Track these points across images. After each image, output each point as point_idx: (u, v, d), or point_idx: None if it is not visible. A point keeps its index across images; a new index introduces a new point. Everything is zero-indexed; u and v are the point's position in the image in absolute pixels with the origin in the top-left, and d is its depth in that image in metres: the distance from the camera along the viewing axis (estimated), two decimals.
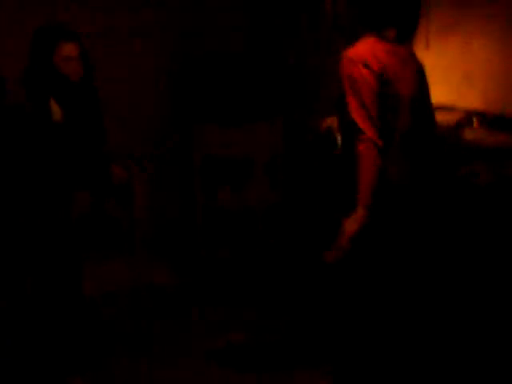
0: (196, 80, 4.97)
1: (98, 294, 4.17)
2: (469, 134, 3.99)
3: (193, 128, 4.99)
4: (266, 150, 4.88)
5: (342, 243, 3.01)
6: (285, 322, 4.21)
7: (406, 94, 3.16)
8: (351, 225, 2.99)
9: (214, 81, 4.90)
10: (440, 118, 3.81)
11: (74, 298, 3.56)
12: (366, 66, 3.02)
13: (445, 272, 3.61)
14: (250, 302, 4.47)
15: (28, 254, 3.42)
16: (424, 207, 3.26)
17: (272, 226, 4.91)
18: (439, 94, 4.10)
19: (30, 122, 3.38)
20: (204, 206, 4.96)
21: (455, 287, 3.61)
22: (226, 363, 3.87)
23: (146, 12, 4.92)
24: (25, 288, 3.45)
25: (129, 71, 4.90)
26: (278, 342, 3.98)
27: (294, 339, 3.99)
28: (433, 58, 4.33)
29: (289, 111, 5.19)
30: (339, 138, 3.45)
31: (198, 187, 4.95)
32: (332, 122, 3.75)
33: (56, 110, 3.45)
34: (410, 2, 3.20)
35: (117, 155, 4.06)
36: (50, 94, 3.44)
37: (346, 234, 2.99)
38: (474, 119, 4.12)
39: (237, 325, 4.22)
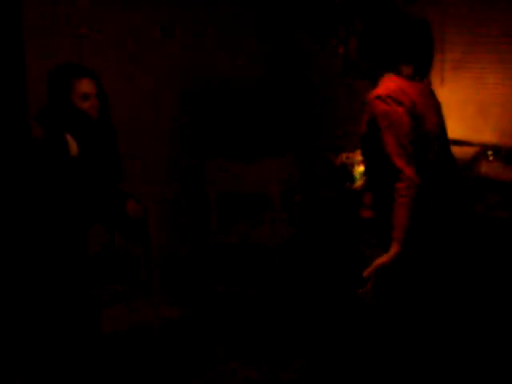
0: (208, 114, 4.99)
1: (115, 331, 4.14)
2: (484, 168, 4.00)
3: (206, 165, 4.99)
4: (280, 185, 4.87)
5: (372, 276, 3.07)
6: (300, 360, 4.18)
7: (432, 130, 3.19)
8: (384, 259, 3.04)
9: (226, 116, 4.91)
10: (455, 152, 3.82)
11: (90, 334, 3.54)
12: (400, 103, 3.04)
13: (468, 304, 3.61)
14: (266, 339, 4.44)
15: (44, 290, 3.40)
16: (449, 240, 3.27)
17: (288, 261, 4.90)
18: (454, 128, 4.11)
19: (48, 157, 3.38)
20: (218, 241, 4.95)
21: (478, 318, 3.61)
22: None
23: (155, 42, 4.93)
24: (42, 324, 3.43)
25: (140, 108, 4.91)
26: (294, 381, 3.95)
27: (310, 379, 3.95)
28: (448, 93, 4.36)
29: (303, 146, 5.21)
30: (357, 173, 3.47)
31: (213, 223, 4.93)
32: (347, 156, 3.77)
33: (72, 145, 3.46)
34: (424, 37, 3.22)
35: (131, 192, 4.07)
36: (66, 129, 3.46)
37: (377, 267, 3.06)
38: (489, 153, 4.13)
39: (253, 362, 4.18)
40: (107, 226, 3.89)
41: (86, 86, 3.59)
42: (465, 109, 4.43)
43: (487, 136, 4.30)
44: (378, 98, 3.05)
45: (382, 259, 3.04)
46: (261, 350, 4.29)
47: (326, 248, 4.84)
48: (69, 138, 3.44)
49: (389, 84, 3.10)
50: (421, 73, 3.19)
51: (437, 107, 3.30)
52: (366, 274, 3.07)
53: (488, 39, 4.45)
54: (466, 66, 4.48)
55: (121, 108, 4.71)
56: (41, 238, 3.38)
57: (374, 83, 3.15)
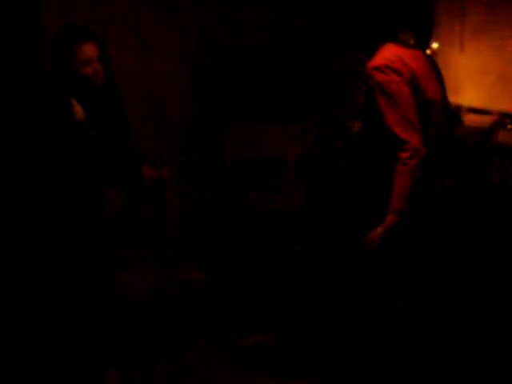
0: (225, 79, 4.96)
1: (130, 293, 4.17)
2: (503, 137, 3.97)
3: (222, 128, 4.98)
4: (297, 150, 4.86)
5: (369, 245, 3.11)
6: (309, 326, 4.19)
7: (435, 98, 3.16)
8: (379, 230, 3.07)
9: (243, 79, 4.88)
10: (474, 120, 3.80)
11: (106, 295, 3.57)
12: (398, 72, 3.00)
13: (475, 274, 3.60)
14: (279, 304, 4.46)
15: (60, 253, 3.42)
16: (455, 210, 3.25)
17: (302, 227, 4.90)
18: (473, 96, 4.09)
19: (53, 122, 3.36)
20: (234, 206, 4.96)
21: (486, 291, 3.60)
22: (252, 364, 3.85)
23: (170, 11, 4.90)
24: (56, 285, 3.45)
25: (154, 73, 4.90)
26: (305, 346, 3.96)
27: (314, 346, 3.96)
28: (467, 61, 4.33)
29: (321, 113, 5.18)
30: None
31: (229, 188, 4.94)
32: None
33: (78, 111, 3.43)
34: (423, 3, 3.18)
35: (147, 156, 4.08)
36: (71, 95, 3.41)
37: (373, 237, 3.09)
38: (508, 122, 4.10)
39: (265, 325, 4.20)
40: (123, 189, 3.90)
41: (87, 50, 3.51)
42: (484, 77, 4.38)
43: (506, 104, 4.26)
44: (376, 68, 3.01)
45: (377, 230, 3.06)
46: (273, 316, 4.31)
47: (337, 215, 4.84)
48: (74, 102, 3.41)
49: (386, 53, 3.05)
50: (421, 40, 3.15)
51: (438, 75, 3.26)
52: (364, 243, 3.11)
53: (509, 6, 4.39)
54: (485, 33, 4.43)
55: (139, 74, 4.73)
56: (55, 200, 3.39)
57: (374, 53, 3.11)
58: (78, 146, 3.40)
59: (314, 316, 4.04)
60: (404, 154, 2.96)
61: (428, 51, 4.39)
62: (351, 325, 3.49)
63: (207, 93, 5.09)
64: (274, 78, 4.87)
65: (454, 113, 4.23)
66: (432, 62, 3.26)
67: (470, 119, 3.90)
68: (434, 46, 4.42)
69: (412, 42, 3.11)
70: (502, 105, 4.27)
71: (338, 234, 3.42)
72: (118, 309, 3.70)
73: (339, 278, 3.72)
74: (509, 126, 4.05)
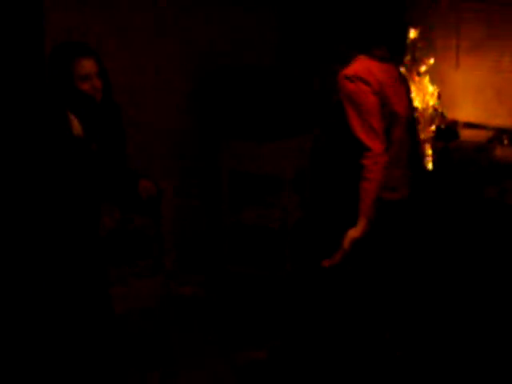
0: (223, 95, 4.97)
1: (126, 308, 4.16)
2: (499, 152, 3.98)
3: (220, 144, 4.99)
4: (293, 166, 4.86)
5: (342, 249, 3.15)
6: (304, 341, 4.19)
7: (401, 112, 3.23)
8: (353, 233, 3.12)
9: (241, 96, 4.89)
10: (470, 135, 3.81)
11: (101, 310, 3.56)
12: (366, 83, 3.09)
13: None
14: (275, 320, 4.45)
15: (56, 270, 3.41)
16: (420, 220, 3.37)
17: (299, 242, 4.90)
18: (469, 112, 4.11)
19: (51, 137, 3.36)
20: (230, 221, 4.96)
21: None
22: (244, 380, 3.85)
23: (171, 24, 4.91)
24: (51, 300, 3.44)
25: (154, 87, 4.90)
26: (300, 363, 3.95)
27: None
28: (463, 76, 4.34)
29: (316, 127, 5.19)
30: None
31: (226, 203, 4.94)
32: None
33: (76, 126, 3.42)
34: (396, 18, 3.27)
35: (144, 170, 4.07)
36: (69, 110, 3.41)
37: (348, 241, 3.13)
38: (505, 137, 4.11)
39: (259, 341, 4.20)
40: (119, 205, 3.89)
41: (85, 66, 3.48)
42: (480, 93, 4.40)
43: (502, 120, 4.28)
44: (346, 78, 3.11)
45: (351, 234, 3.11)
46: (267, 331, 4.30)
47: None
48: (72, 118, 3.40)
49: (357, 65, 3.16)
50: (394, 54, 3.23)
51: (407, 91, 3.37)
52: (341, 249, 3.15)
53: (505, 22, 4.41)
54: (482, 49, 4.45)
55: (135, 87, 4.73)
56: (51, 217, 3.38)
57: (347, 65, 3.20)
58: (75, 160, 3.39)
59: (305, 332, 4.06)
60: (367, 161, 3.06)
61: (423, 68, 4.44)
62: (340, 342, 3.52)
63: (205, 108, 5.10)
64: (270, 94, 4.89)
65: (451, 128, 4.26)
66: (403, 78, 3.38)
67: (467, 134, 3.92)
68: (430, 61, 4.45)
69: (383, 55, 3.20)
70: (498, 120, 4.28)
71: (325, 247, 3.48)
72: (114, 323, 3.69)
73: (330, 293, 3.75)
74: (505, 142, 4.07)
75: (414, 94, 4.36)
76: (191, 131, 5.13)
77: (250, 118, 4.86)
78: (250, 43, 5.20)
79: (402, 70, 4.38)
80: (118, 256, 3.91)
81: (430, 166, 4.29)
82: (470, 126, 4.08)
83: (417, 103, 4.36)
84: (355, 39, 3.23)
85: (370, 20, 3.21)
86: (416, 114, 4.30)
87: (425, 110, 4.32)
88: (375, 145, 3.06)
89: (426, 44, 4.51)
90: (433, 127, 4.32)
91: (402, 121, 3.21)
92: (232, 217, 4.94)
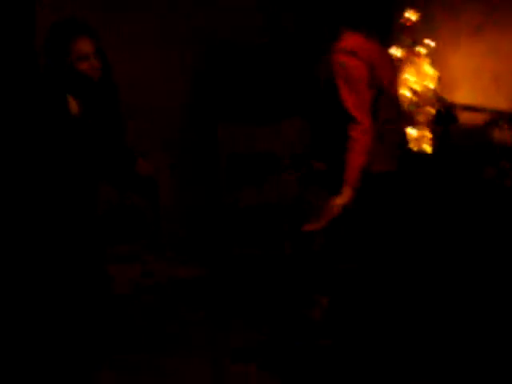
0: (220, 77, 4.97)
1: (124, 288, 4.16)
2: (497, 135, 3.99)
3: (217, 126, 4.99)
4: (291, 147, 4.87)
5: (325, 215, 3.22)
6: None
7: (387, 84, 3.29)
8: (337, 201, 3.19)
9: (238, 77, 4.89)
10: (468, 118, 3.81)
11: (100, 291, 3.55)
12: (358, 56, 3.15)
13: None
14: (275, 301, 4.44)
15: (54, 249, 3.40)
16: (405, 195, 3.41)
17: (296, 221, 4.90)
18: (468, 94, 4.10)
19: (49, 116, 3.35)
20: (229, 202, 4.96)
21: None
22: (246, 361, 3.84)
23: (170, 11, 4.91)
24: (50, 281, 3.44)
25: (152, 71, 4.90)
26: (300, 345, 3.96)
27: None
28: (462, 59, 4.34)
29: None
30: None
31: (224, 183, 4.94)
32: None
33: (73, 105, 3.41)
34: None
35: (142, 152, 4.07)
36: (67, 90, 3.39)
37: (331, 207, 3.20)
38: (502, 120, 4.11)
39: (261, 323, 4.19)
40: (117, 184, 3.88)
41: (83, 46, 3.43)
42: (479, 76, 4.39)
43: (500, 103, 4.28)
44: (337, 50, 3.18)
45: (335, 201, 3.18)
46: (264, 312, 4.30)
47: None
48: (70, 98, 3.39)
49: (350, 40, 3.22)
50: (379, 31, 3.32)
51: (392, 64, 3.52)
52: (323, 215, 3.21)
53: (505, 7, 4.41)
54: (481, 33, 4.44)
55: (134, 70, 4.73)
56: (49, 197, 3.37)
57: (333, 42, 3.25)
58: (72, 140, 3.38)
59: (305, 314, 4.06)
60: (355, 133, 3.13)
61: (423, 50, 4.44)
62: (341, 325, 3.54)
63: (203, 92, 5.10)
64: (266, 77, 4.89)
65: (450, 111, 4.26)
66: (389, 55, 3.45)
67: (465, 117, 3.91)
68: (431, 44, 4.44)
69: (372, 32, 3.29)
70: (496, 104, 4.28)
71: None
72: (112, 304, 3.69)
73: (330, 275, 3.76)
74: (502, 125, 4.07)
75: (413, 77, 4.38)
76: (189, 114, 5.14)
77: (248, 101, 4.87)
78: (249, 22, 5.19)
79: (401, 51, 4.40)
80: (116, 235, 3.91)
81: (428, 149, 4.31)
82: (468, 108, 4.08)
83: (416, 86, 4.37)
84: (345, 14, 3.30)
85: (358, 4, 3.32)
86: (415, 97, 4.32)
87: (424, 92, 4.32)
88: (363, 117, 3.13)
89: (427, 27, 4.51)
90: (433, 110, 4.33)
91: (388, 95, 3.27)
92: (231, 197, 4.95)
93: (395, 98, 3.40)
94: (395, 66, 3.52)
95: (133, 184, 3.92)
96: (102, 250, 3.55)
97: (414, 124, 4.34)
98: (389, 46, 4.33)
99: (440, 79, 4.33)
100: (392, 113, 3.31)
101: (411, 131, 4.31)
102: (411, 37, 4.46)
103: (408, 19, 4.43)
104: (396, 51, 4.42)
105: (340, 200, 3.18)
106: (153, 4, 4.81)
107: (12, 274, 3.28)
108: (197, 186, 5.17)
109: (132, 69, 4.63)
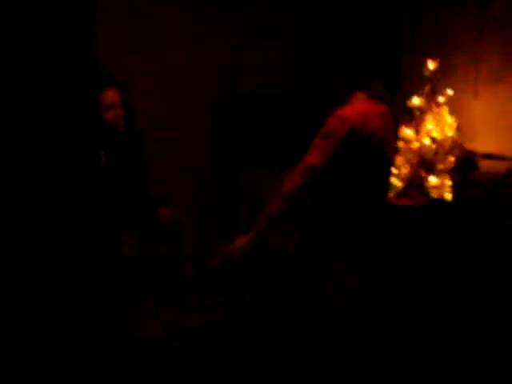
0: (243, 124, 5.01)
1: (147, 336, 4.16)
2: None
3: (239, 173, 5.02)
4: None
5: (225, 255, 3.35)
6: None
7: (387, 152, 3.31)
8: (239, 242, 3.30)
9: (261, 124, 4.93)
10: (490, 166, 3.82)
11: (122, 339, 3.57)
12: (347, 123, 3.13)
13: None
14: (288, 346, 4.42)
15: (79, 296, 3.43)
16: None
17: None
18: (489, 142, 4.11)
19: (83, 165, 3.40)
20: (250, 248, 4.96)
21: None
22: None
23: (198, 53, 4.97)
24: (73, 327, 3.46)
25: (178, 115, 4.95)
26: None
27: None
28: (482, 107, 4.36)
29: None
30: None
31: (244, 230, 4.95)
32: None
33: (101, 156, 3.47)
34: (392, 54, 3.35)
35: (164, 197, 4.11)
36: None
37: (232, 248, 3.30)
38: None
39: (274, 370, 4.17)
40: (140, 231, 3.92)
41: (109, 97, 3.59)
42: (500, 122, 4.41)
43: None
44: (337, 116, 3.17)
45: (237, 243, 3.29)
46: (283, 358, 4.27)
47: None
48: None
49: (357, 108, 3.20)
50: (390, 87, 3.31)
51: (395, 133, 3.58)
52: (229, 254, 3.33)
53: None
54: (500, 79, 4.47)
55: (158, 117, 4.79)
56: (73, 243, 3.41)
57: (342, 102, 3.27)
58: (98, 188, 3.44)
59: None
60: (301, 165, 3.17)
61: (442, 99, 4.47)
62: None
63: (227, 139, 5.15)
64: (290, 122, 4.93)
65: (470, 159, 4.27)
66: (392, 119, 3.43)
67: (486, 165, 3.92)
68: (449, 92, 4.47)
69: (381, 89, 3.24)
70: None
71: None
72: (133, 349, 3.69)
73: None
74: None
75: (432, 125, 4.41)
76: (211, 160, 5.18)
77: (270, 149, 4.91)
78: (275, 70, 5.25)
79: (421, 101, 4.43)
80: (138, 281, 3.92)
81: (449, 196, 4.31)
82: (488, 156, 4.09)
83: (435, 134, 4.39)
84: (353, 75, 3.29)
85: (368, 56, 3.31)
86: (434, 145, 4.34)
87: (443, 140, 4.34)
88: (317, 158, 3.13)
89: (445, 75, 4.54)
90: (452, 158, 4.35)
91: (383, 157, 3.29)
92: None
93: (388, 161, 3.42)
94: (394, 129, 3.50)
95: (155, 231, 3.96)
96: (124, 293, 3.58)
97: (434, 172, 4.36)
98: (406, 96, 4.38)
99: (459, 127, 4.35)
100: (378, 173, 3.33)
101: (431, 179, 4.34)
102: (430, 85, 4.51)
103: (427, 69, 4.48)
104: (416, 100, 4.48)
105: (241, 242, 3.26)
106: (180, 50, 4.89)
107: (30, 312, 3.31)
108: (217, 233, 5.19)
109: (153, 110, 4.69)
